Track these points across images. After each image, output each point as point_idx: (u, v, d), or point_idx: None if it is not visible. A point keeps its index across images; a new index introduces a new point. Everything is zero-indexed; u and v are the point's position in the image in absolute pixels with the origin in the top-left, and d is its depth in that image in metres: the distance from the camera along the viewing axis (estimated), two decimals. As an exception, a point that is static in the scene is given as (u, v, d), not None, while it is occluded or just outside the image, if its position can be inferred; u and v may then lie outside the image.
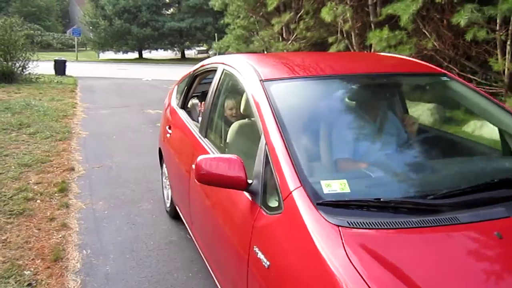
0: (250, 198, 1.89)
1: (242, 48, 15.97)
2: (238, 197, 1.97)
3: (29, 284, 2.95)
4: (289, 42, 14.24)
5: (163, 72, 21.90)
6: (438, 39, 8.88)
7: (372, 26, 10.37)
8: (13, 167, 5.37)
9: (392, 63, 3.07)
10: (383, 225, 1.49)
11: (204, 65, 3.50)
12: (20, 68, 14.60)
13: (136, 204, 4.43)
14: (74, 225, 3.92)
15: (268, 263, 1.61)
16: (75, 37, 29.06)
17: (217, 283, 2.38)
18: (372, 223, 1.49)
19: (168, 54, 36.24)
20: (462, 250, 1.49)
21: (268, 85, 2.21)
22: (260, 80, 2.25)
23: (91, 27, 31.46)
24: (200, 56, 34.81)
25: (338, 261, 1.36)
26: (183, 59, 34.11)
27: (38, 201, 4.42)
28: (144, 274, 3.13)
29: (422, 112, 4.18)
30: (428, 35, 8.85)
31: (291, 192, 1.63)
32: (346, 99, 2.56)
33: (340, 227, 1.46)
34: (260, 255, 1.66)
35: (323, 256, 1.40)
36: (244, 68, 2.50)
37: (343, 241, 1.41)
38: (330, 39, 11.18)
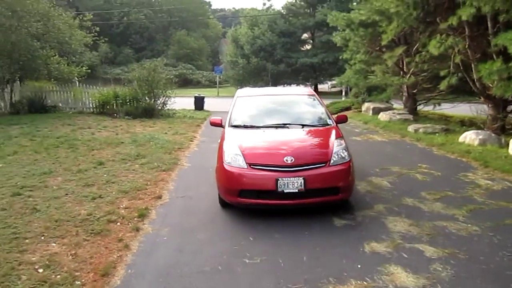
0: (223, 128, 6.41)
1: (361, 82, 15.87)
2: (222, 130, 6.47)
3: (73, 293, 3.56)
4: (408, 75, 13.71)
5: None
6: None
7: (494, 57, 9.53)
8: (113, 193, 6.34)
9: (294, 90, 9.66)
10: (242, 129, 6.18)
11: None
12: (161, 105, 16.75)
13: (194, 233, 4.89)
14: (134, 247, 4.53)
15: (221, 149, 5.72)
16: (217, 75, 32.06)
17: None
18: (240, 128, 6.22)
19: (302, 88, 37.38)
20: (276, 138, 5.88)
21: (239, 98, 7.07)
22: (238, 96, 7.16)
23: (231, 65, 34.39)
24: (333, 90, 35.05)
25: (226, 135, 6.00)
26: (316, 93, 34.80)
27: (118, 223, 5.18)
28: (164, 296, 3.52)
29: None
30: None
31: (225, 124, 6.45)
32: (269, 101, 7.12)
33: (231, 128, 6.24)
34: (221, 142, 5.94)
35: (225, 134, 6.06)
36: (237, 93, 7.42)
37: (229, 131, 6.14)
38: (442, 72, 10.54)
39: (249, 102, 7.12)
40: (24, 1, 14.39)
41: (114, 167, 7.85)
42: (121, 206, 5.78)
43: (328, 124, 6.25)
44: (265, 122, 6.25)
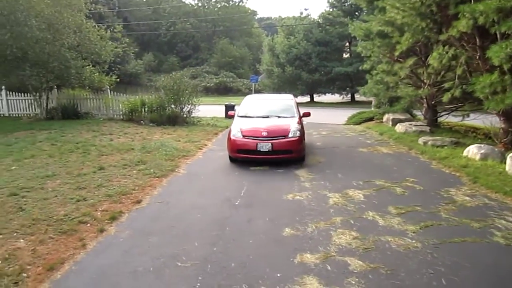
0: (236, 117, 10.72)
1: (381, 92, 15.75)
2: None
3: (15, 283, 4.02)
4: (425, 87, 13.46)
5: (322, 115, 20.47)
6: None
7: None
8: (99, 196, 6.84)
9: (281, 96, 12.79)
10: (244, 118, 10.44)
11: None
12: (186, 113, 17.35)
13: (149, 236, 5.26)
14: (91, 246, 4.96)
15: (230, 128, 10.15)
16: (252, 84, 32.54)
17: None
18: (245, 118, 10.43)
19: (337, 97, 37.13)
20: (261, 122, 9.95)
21: (246, 100, 11.71)
22: (245, 99, 11.80)
23: (267, 74, 34.80)
24: (371, 99, 34.43)
25: (234, 121, 10.39)
26: (352, 102, 34.45)
27: (88, 224, 5.64)
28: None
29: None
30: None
31: (235, 115, 10.89)
32: (263, 102, 11.79)
33: (238, 117, 10.55)
34: (231, 125, 10.27)
35: (234, 120, 10.45)
36: (246, 97, 12.09)
37: (237, 118, 10.50)
38: (447, 85, 10.34)
39: (251, 102, 11.47)
40: (61, 15, 15.53)
41: (112, 172, 8.39)
42: (99, 209, 6.25)
43: (294, 116, 10.30)
44: (257, 114, 10.49)
